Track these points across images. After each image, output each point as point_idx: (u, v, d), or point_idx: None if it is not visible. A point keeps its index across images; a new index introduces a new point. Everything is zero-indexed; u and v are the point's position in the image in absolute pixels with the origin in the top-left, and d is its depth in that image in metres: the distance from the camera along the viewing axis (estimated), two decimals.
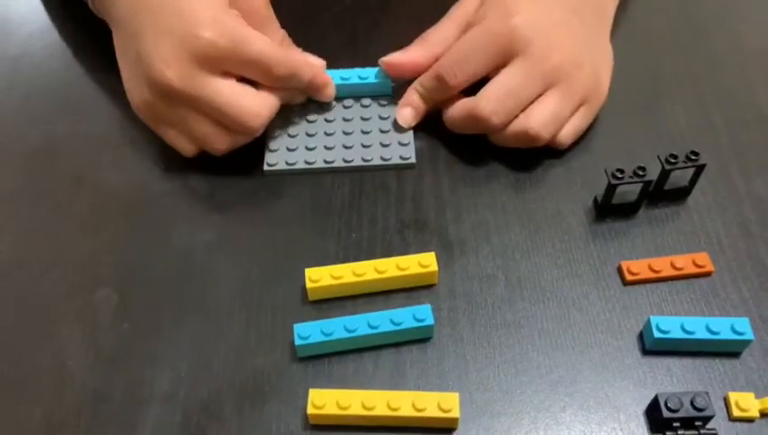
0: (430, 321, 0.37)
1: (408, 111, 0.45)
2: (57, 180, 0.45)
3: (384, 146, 0.45)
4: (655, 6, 0.54)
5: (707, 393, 0.34)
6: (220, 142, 0.42)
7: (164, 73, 0.39)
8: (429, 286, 0.40)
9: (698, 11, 0.54)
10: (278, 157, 0.45)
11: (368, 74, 0.47)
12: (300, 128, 0.46)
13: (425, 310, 0.38)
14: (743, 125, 0.47)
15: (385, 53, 0.46)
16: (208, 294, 0.40)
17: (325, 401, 0.35)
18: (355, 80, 0.47)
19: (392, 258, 0.40)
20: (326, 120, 0.47)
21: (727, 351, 0.37)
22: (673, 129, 0.47)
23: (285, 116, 0.46)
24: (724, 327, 0.37)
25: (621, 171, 0.40)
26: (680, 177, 0.42)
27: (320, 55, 0.46)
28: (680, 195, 0.43)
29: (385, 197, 0.44)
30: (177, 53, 0.39)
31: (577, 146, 0.46)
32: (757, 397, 0.35)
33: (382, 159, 0.45)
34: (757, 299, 0.39)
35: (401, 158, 0.45)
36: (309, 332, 0.37)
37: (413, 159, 0.45)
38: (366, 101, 0.47)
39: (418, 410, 0.35)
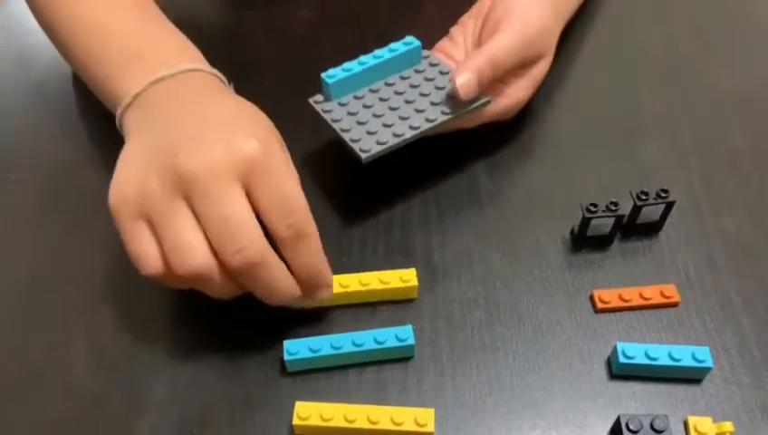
0: (411, 341, 0.40)
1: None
2: (73, 198, 0.49)
3: (451, 97, 0.46)
4: (637, 46, 0.57)
5: (666, 416, 0.37)
6: (197, 259, 0.36)
7: (193, 159, 0.36)
8: (410, 301, 0.43)
9: (680, 52, 0.57)
10: (367, 144, 0.44)
11: (396, 47, 0.48)
12: (366, 114, 0.46)
13: (406, 330, 0.40)
14: (715, 164, 0.49)
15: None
16: (206, 309, 0.43)
17: (310, 413, 0.38)
18: (387, 55, 0.47)
19: (375, 272, 0.42)
20: (381, 99, 0.47)
21: (689, 377, 0.39)
22: (649, 166, 0.49)
23: (344, 111, 0.46)
24: (686, 355, 0.39)
25: (595, 205, 0.43)
26: (652, 212, 0.45)
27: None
28: (652, 229, 0.45)
29: (375, 222, 0.47)
30: (214, 147, 0.36)
31: (558, 181, 0.49)
32: (715, 421, 0.38)
33: (457, 107, 0.45)
34: (720, 330, 0.42)
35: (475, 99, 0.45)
36: (297, 348, 0.40)
37: (489, 98, 0.46)
38: (405, 74, 0.48)
39: (396, 424, 0.37)
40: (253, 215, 0.36)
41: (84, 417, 0.39)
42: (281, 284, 0.38)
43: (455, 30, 0.51)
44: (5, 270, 0.45)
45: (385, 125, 0.45)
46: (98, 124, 0.53)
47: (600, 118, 0.53)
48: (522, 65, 0.47)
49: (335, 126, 0.45)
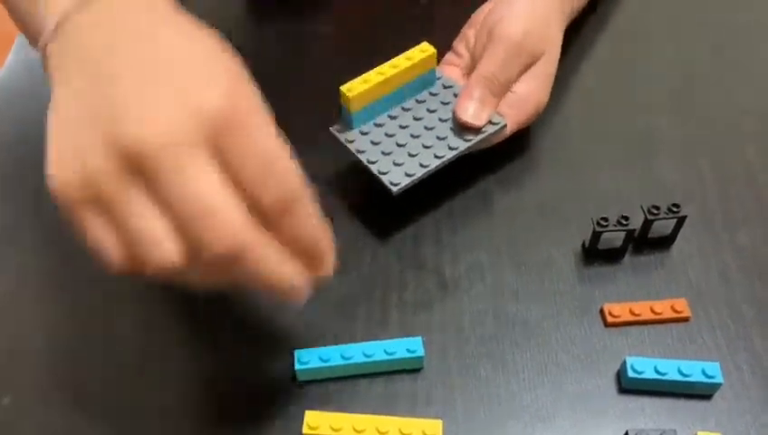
0: (421, 352, 0.40)
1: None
2: None
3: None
4: (651, 61, 0.58)
5: (675, 431, 0.37)
6: (165, 252, 0.29)
7: (141, 127, 0.28)
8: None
9: (695, 67, 0.57)
10: (396, 176, 0.45)
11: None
12: (389, 144, 0.46)
13: (416, 342, 0.41)
14: (730, 179, 0.49)
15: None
16: (221, 319, 0.44)
17: (319, 423, 0.38)
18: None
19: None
20: (401, 127, 0.47)
21: (699, 393, 0.39)
22: (664, 181, 0.49)
23: (367, 140, 0.47)
24: (696, 370, 0.39)
25: (606, 220, 0.43)
26: (664, 226, 0.45)
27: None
28: (664, 243, 0.45)
29: (386, 235, 0.47)
30: (166, 106, 0.29)
31: (570, 194, 0.49)
32: None
33: (478, 132, 0.46)
34: (732, 346, 0.41)
35: (493, 123, 0.47)
36: (308, 357, 0.40)
37: (504, 121, 0.47)
38: (421, 97, 0.49)
39: None
40: (227, 190, 0.29)
41: (97, 423, 0.40)
42: (274, 269, 0.30)
43: (457, 43, 0.52)
44: (23, 274, 0.46)
45: (410, 155, 0.46)
46: None
47: (613, 132, 0.53)
48: (524, 68, 0.48)
49: (362, 157, 0.46)
